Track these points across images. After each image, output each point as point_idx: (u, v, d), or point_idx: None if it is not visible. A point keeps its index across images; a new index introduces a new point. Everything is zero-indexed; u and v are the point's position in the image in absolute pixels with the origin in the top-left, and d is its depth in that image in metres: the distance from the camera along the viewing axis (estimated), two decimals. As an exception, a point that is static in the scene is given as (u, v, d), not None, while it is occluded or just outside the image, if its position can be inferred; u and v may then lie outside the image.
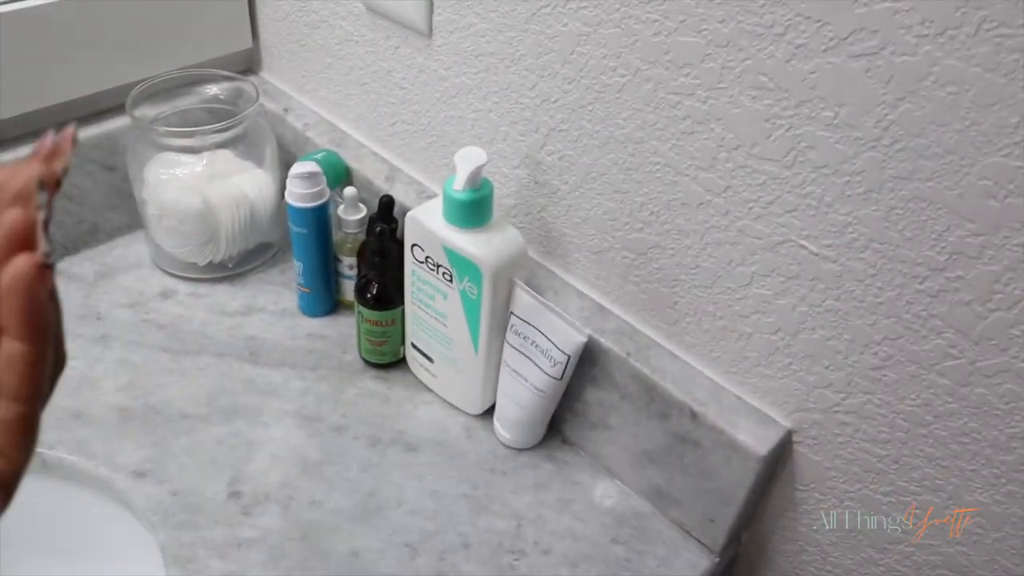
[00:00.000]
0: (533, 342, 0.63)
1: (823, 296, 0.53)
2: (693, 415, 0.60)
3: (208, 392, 0.73)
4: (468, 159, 0.59)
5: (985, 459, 0.51)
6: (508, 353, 0.66)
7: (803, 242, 0.52)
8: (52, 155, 0.32)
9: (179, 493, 0.66)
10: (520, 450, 0.70)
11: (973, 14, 0.41)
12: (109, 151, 0.84)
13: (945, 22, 0.42)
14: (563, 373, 0.63)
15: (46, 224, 0.31)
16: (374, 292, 0.71)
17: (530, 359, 0.64)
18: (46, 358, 0.31)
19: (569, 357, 0.62)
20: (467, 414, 0.73)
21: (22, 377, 0.30)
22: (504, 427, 0.70)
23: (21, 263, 0.29)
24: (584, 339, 0.61)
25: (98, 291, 0.82)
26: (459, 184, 0.59)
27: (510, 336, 0.65)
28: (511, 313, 0.64)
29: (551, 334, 0.62)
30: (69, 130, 0.33)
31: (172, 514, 0.64)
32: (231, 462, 0.68)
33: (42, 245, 0.30)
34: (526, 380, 0.65)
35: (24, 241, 0.30)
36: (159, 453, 0.68)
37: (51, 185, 0.31)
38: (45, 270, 0.29)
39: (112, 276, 0.84)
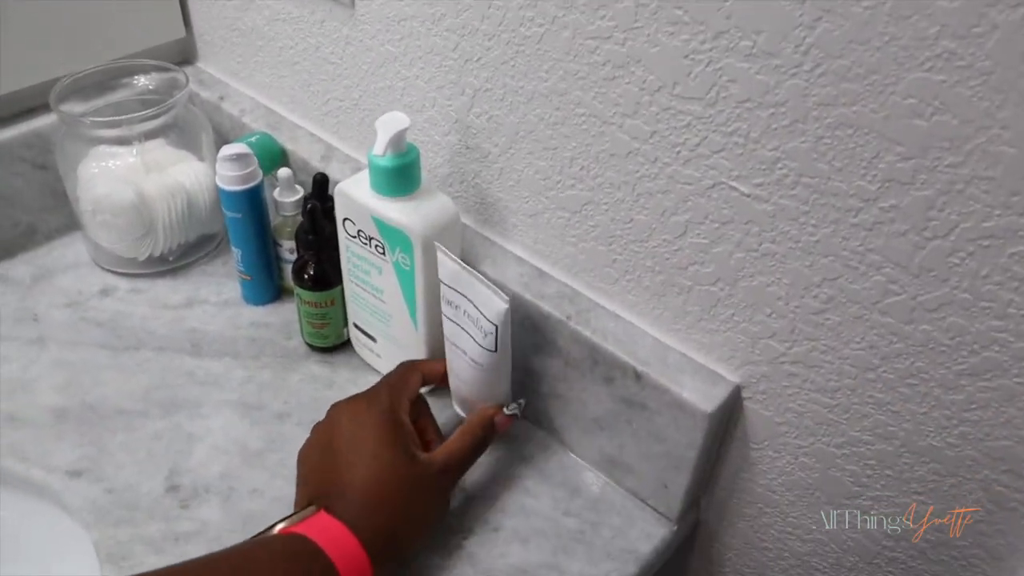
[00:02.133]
0: (464, 311, 0.60)
1: (759, 239, 0.51)
2: (637, 376, 0.58)
3: (146, 387, 0.71)
4: (388, 123, 0.57)
5: (935, 400, 0.48)
6: (446, 325, 0.63)
7: (733, 183, 0.50)
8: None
9: (115, 490, 0.63)
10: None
11: (883, -80, 0.39)
12: (41, 150, 0.81)
13: (853, -70, 0.40)
14: (496, 345, 0.60)
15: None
16: (311, 273, 0.69)
17: (464, 330, 0.61)
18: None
19: (497, 327, 0.58)
20: (415, 394, 0.71)
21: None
22: (458, 405, 0.67)
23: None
24: (506, 306, 0.57)
25: (35, 293, 0.80)
26: (379, 149, 0.57)
27: (444, 307, 0.62)
28: (441, 282, 0.62)
29: (479, 302, 0.59)
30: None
31: (107, 512, 0.62)
32: (170, 456, 0.65)
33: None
34: (464, 353, 0.62)
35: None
36: (96, 451, 0.66)
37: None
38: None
39: (50, 278, 0.82)
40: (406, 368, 0.63)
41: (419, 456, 0.56)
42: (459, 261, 0.59)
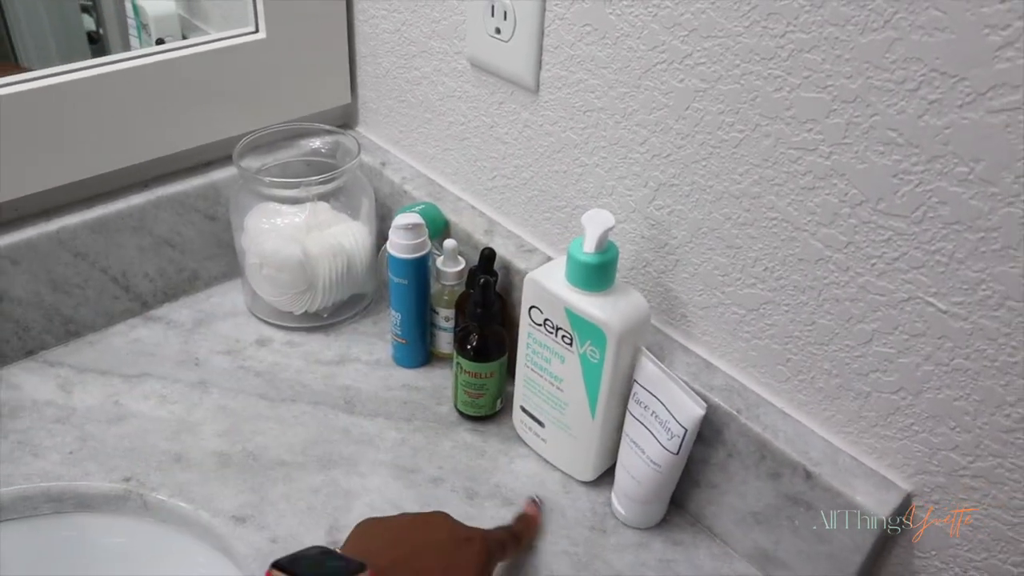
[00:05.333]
0: (653, 412, 0.62)
1: (951, 355, 0.52)
2: (808, 475, 0.58)
3: (304, 440, 0.74)
4: (596, 221, 0.59)
5: None
6: (629, 423, 0.65)
7: (931, 299, 0.51)
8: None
9: (279, 540, 0.65)
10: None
11: (1125, 69, 0.40)
12: (213, 201, 0.86)
13: (1094, 77, 0.41)
14: (680, 448, 0.61)
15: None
16: (474, 344, 0.71)
17: (649, 430, 0.63)
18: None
19: (686, 431, 0.60)
20: (564, 471, 0.72)
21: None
22: (620, 503, 0.68)
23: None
24: (702, 412, 0.60)
25: (196, 337, 0.84)
26: (589, 247, 0.59)
27: (632, 405, 0.64)
28: (635, 381, 0.63)
29: (671, 405, 0.61)
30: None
31: (272, 562, 0.64)
32: (329, 511, 0.68)
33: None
34: (643, 452, 0.63)
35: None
36: (258, 499, 0.68)
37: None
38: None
39: (209, 323, 0.86)
40: (515, 537, 0.62)
41: None
42: (660, 364, 0.60)
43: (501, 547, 0.59)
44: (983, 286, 0.49)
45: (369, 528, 0.57)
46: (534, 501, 0.68)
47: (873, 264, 0.53)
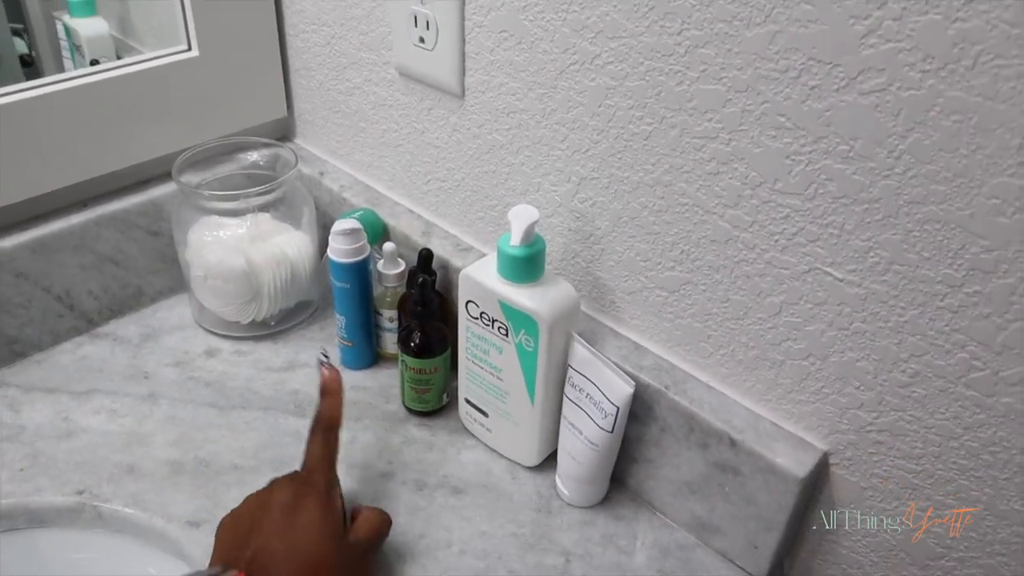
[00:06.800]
0: (588, 394, 0.65)
1: (850, 319, 0.56)
2: (732, 443, 0.63)
3: (256, 445, 0.76)
4: (521, 216, 0.63)
5: (1017, 467, 0.53)
6: (566, 406, 0.68)
7: (828, 269, 0.55)
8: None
9: (234, 540, 0.67)
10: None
11: (970, 48, 0.45)
12: (154, 217, 0.88)
13: (944, 58, 0.46)
14: (614, 426, 0.65)
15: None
16: (417, 341, 0.74)
17: (585, 412, 0.66)
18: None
19: (618, 409, 0.64)
20: (509, 457, 0.75)
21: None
22: (563, 484, 0.71)
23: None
24: (631, 390, 0.63)
25: (144, 352, 0.85)
26: (516, 240, 0.62)
27: (568, 389, 0.68)
28: (569, 366, 0.67)
29: (603, 386, 0.65)
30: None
31: (228, 561, 0.66)
32: (283, 509, 0.70)
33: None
34: (581, 433, 0.67)
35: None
36: (212, 504, 0.70)
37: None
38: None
39: (157, 337, 0.87)
40: (328, 435, 0.63)
41: (348, 539, 0.60)
42: (591, 348, 0.64)
43: (330, 463, 0.62)
44: (871, 253, 0.53)
45: (226, 526, 0.61)
46: (323, 362, 0.67)
47: (776, 240, 0.57)
